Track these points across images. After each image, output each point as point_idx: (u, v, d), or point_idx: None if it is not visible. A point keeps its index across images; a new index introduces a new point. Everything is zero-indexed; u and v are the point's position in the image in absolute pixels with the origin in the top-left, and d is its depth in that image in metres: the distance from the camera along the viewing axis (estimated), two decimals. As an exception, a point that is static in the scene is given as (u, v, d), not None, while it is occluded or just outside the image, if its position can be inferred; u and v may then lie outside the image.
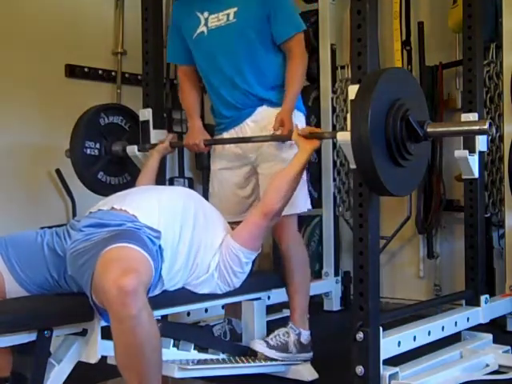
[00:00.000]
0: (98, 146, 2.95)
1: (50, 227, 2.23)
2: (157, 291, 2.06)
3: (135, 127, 3.02)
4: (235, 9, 2.56)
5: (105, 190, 2.98)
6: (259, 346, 2.44)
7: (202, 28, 2.64)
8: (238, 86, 2.60)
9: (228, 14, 2.58)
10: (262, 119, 2.60)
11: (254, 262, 2.39)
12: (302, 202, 2.61)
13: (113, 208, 2.12)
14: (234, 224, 2.48)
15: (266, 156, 2.59)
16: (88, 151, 2.92)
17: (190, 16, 2.67)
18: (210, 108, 2.81)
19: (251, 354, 2.45)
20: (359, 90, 2.01)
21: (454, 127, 2.21)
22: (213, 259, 2.24)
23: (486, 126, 1.99)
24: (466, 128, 2.16)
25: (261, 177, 2.62)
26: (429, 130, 2.09)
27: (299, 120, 2.62)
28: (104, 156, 2.97)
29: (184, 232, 2.16)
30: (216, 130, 2.77)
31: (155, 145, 2.86)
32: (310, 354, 2.57)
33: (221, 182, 2.73)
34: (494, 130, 2.03)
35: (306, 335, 2.57)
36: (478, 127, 2.05)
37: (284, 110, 2.54)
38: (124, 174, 3.06)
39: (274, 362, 2.46)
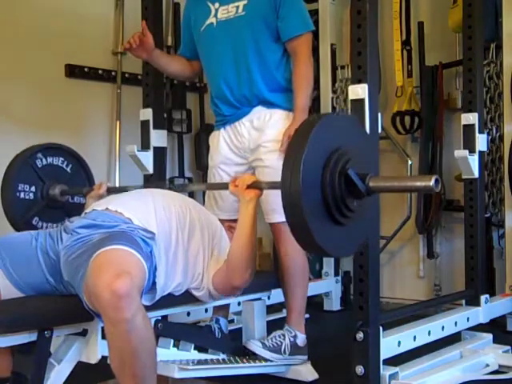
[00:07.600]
0: (33, 189, 2.68)
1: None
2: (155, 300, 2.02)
3: (78, 168, 2.83)
4: (245, 1, 2.54)
5: None
6: (254, 346, 2.43)
7: (211, 19, 2.62)
8: (242, 82, 2.56)
9: (237, 7, 2.56)
10: (257, 120, 2.57)
11: None
12: None
13: (107, 209, 2.08)
14: (231, 222, 2.47)
15: (263, 161, 2.54)
16: (22, 195, 2.65)
17: (201, 6, 2.65)
18: (210, 103, 2.74)
19: (251, 354, 2.45)
20: (292, 139, 1.75)
21: (398, 183, 1.94)
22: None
23: (432, 183, 1.71)
24: (410, 184, 1.92)
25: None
26: (371, 184, 1.80)
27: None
28: (40, 200, 2.68)
29: (180, 241, 2.13)
30: (215, 125, 2.73)
31: (92, 189, 2.64)
32: (305, 357, 2.55)
33: (216, 179, 2.68)
34: (439, 186, 1.77)
35: (302, 338, 2.55)
36: (423, 183, 1.76)
37: (294, 126, 2.35)
38: (63, 220, 2.59)
39: (273, 363, 2.45)
